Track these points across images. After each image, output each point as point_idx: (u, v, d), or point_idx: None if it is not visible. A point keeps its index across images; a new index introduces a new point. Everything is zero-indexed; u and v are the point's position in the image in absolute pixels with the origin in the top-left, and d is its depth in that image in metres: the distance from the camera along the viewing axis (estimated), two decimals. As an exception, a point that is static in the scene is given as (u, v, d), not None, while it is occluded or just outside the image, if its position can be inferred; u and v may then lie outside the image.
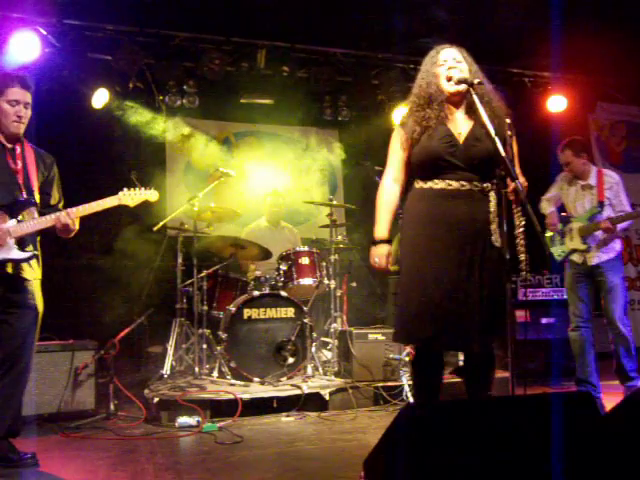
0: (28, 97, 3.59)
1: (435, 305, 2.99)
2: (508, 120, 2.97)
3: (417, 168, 3.18)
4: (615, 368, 5.18)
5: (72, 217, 3.56)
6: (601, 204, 5.14)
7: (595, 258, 5.13)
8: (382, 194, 3.25)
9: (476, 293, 2.98)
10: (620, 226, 5.07)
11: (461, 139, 3.10)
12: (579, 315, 5.18)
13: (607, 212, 5.12)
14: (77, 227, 3.65)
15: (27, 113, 3.60)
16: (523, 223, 2.92)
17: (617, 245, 5.17)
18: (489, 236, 3.07)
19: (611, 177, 5.24)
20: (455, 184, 3.06)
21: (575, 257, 5.23)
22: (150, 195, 3.90)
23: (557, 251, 5.39)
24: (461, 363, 5.38)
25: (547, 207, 5.43)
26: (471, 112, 3.13)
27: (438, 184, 3.08)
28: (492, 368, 3.20)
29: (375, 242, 3.23)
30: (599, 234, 5.11)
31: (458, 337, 2.99)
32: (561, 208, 5.47)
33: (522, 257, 2.98)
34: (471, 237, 3.04)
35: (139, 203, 3.86)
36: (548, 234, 5.49)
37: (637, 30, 6.28)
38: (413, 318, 3.06)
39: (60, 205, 3.78)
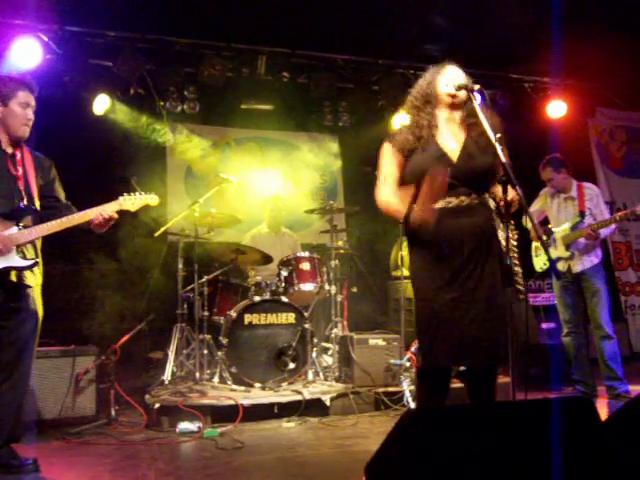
0: (33, 101, 3.63)
1: (455, 330, 2.96)
2: (499, 135, 2.93)
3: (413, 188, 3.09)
4: (603, 373, 5.30)
5: (109, 211, 3.59)
6: (582, 214, 5.41)
7: (579, 265, 5.38)
8: (391, 202, 3.12)
9: (487, 309, 2.97)
10: (603, 233, 5.30)
11: (455, 157, 3.06)
12: (569, 321, 5.48)
13: (588, 221, 5.38)
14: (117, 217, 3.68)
15: (33, 117, 3.64)
16: (516, 237, 2.94)
17: (599, 252, 5.43)
18: (497, 247, 3.05)
19: (591, 189, 5.54)
20: (455, 200, 3.03)
21: (560, 266, 5.44)
22: (151, 199, 3.89)
23: (539, 262, 5.68)
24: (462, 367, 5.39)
25: (529, 221, 5.59)
26: (463, 125, 3.11)
27: (438, 203, 3.02)
28: (494, 378, 3.16)
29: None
30: (582, 241, 5.34)
31: (476, 354, 2.98)
32: (543, 221, 5.71)
33: (517, 269, 2.99)
34: (479, 250, 3.03)
35: (140, 208, 3.85)
36: (533, 244, 5.71)
37: (637, 36, 6.29)
38: (435, 344, 3.01)
39: (69, 204, 3.79)
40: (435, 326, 3.00)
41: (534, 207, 5.70)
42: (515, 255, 2.99)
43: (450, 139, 3.10)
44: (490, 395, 3.11)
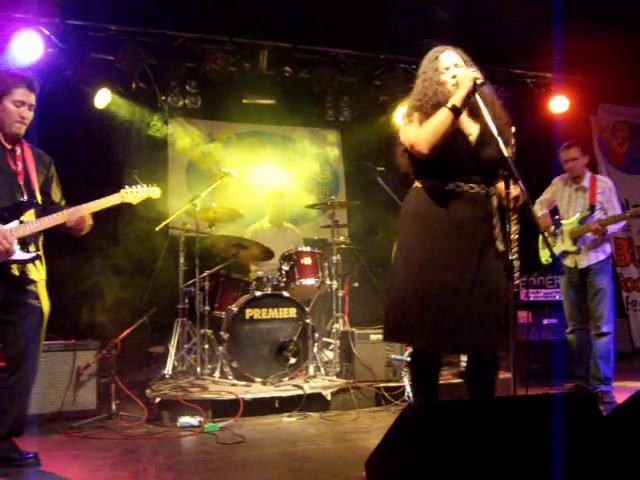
0: (33, 99, 3.59)
1: (438, 310, 2.96)
2: (513, 129, 2.93)
3: (426, 165, 3.09)
4: (592, 370, 5.19)
5: (82, 214, 3.55)
6: (592, 207, 5.24)
7: (585, 261, 5.23)
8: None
9: (480, 297, 2.98)
10: (610, 229, 5.15)
11: (472, 141, 3.08)
12: (573, 318, 5.35)
13: (598, 215, 5.21)
14: (91, 222, 3.63)
15: (30, 115, 3.59)
16: (517, 229, 2.94)
17: (607, 248, 5.26)
18: (493, 241, 3.07)
19: (604, 182, 5.37)
20: (465, 186, 3.05)
21: (567, 261, 5.33)
22: (152, 192, 3.88)
23: (546, 255, 5.51)
24: (463, 364, 5.39)
25: (539, 209, 5.52)
26: (475, 115, 3.09)
27: (447, 185, 3.05)
28: (495, 372, 3.16)
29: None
30: (589, 236, 5.19)
31: (460, 340, 2.98)
32: (553, 211, 5.55)
33: (515, 264, 2.99)
34: (476, 241, 3.04)
35: (142, 200, 3.84)
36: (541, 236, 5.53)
37: (639, 31, 6.28)
38: (416, 321, 2.99)
39: (62, 203, 3.77)
40: (429, 310, 2.97)
41: (545, 195, 5.56)
42: (515, 249, 2.99)
43: (465, 127, 3.09)
44: (490, 392, 3.10)
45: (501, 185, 3.11)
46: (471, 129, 3.11)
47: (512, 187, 2.89)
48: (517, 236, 2.95)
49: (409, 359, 5.16)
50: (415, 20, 5.95)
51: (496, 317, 2.97)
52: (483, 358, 3.09)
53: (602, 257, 5.21)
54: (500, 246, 3.06)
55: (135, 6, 5.97)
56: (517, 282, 2.99)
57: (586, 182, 5.33)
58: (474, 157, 3.05)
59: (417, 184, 3.18)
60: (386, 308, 3.19)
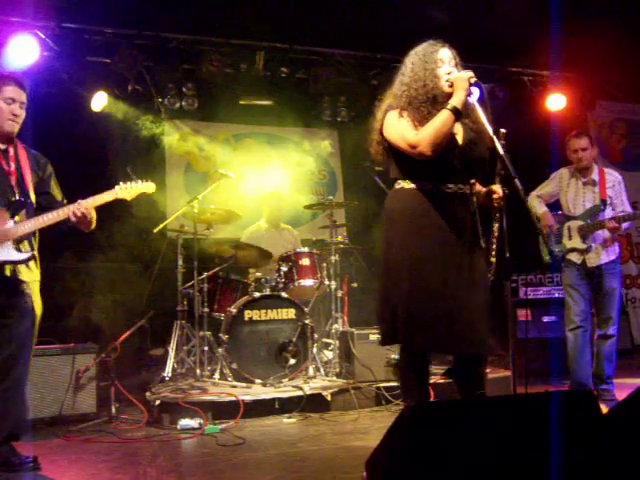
0: (23, 97, 3.59)
1: (432, 312, 2.95)
2: (503, 130, 2.91)
3: (412, 166, 3.08)
4: (594, 369, 5.09)
5: (83, 209, 3.53)
6: (604, 202, 5.01)
7: (595, 259, 5.02)
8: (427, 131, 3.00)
9: (473, 296, 2.98)
10: (624, 226, 4.98)
11: (459, 141, 3.08)
12: (576, 316, 5.05)
13: (607, 211, 5.01)
14: (94, 216, 3.61)
15: (22, 113, 3.59)
16: (497, 226, 2.95)
17: (617, 247, 5.10)
18: (477, 238, 3.09)
19: (613, 176, 5.14)
20: (453, 187, 3.05)
21: (574, 257, 5.08)
22: (147, 187, 3.85)
23: (547, 251, 5.27)
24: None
25: (538, 206, 5.26)
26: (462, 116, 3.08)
27: (437, 187, 3.04)
28: (484, 366, 3.16)
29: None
30: (601, 233, 5.00)
31: (459, 342, 2.98)
32: (552, 206, 5.32)
33: (492, 260, 3.00)
34: (465, 242, 3.04)
35: (136, 196, 3.81)
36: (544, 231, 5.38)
37: (636, 28, 6.28)
38: (415, 326, 2.97)
39: (65, 202, 3.76)
40: (422, 312, 2.96)
41: (544, 189, 5.30)
42: (494, 246, 3.01)
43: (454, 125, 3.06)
44: (481, 389, 3.09)
45: (479, 185, 3.16)
46: (455, 129, 3.08)
47: (497, 186, 2.93)
48: (497, 234, 2.97)
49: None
50: (411, 19, 5.93)
51: (485, 315, 2.99)
52: (471, 355, 3.09)
53: (613, 257, 5.03)
54: (482, 243, 3.09)
55: (130, 9, 5.95)
56: (491, 279, 3.02)
57: (595, 175, 5.09)
58: (461, 157, 3.04)
59: (404, 184, 3.12)
60: (380, 311, 3.15)
